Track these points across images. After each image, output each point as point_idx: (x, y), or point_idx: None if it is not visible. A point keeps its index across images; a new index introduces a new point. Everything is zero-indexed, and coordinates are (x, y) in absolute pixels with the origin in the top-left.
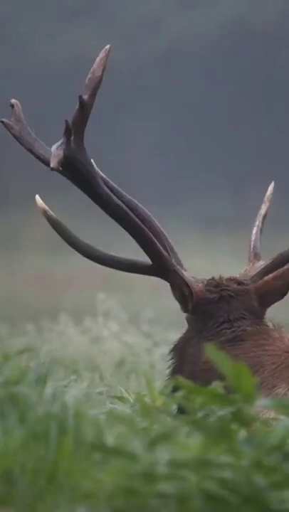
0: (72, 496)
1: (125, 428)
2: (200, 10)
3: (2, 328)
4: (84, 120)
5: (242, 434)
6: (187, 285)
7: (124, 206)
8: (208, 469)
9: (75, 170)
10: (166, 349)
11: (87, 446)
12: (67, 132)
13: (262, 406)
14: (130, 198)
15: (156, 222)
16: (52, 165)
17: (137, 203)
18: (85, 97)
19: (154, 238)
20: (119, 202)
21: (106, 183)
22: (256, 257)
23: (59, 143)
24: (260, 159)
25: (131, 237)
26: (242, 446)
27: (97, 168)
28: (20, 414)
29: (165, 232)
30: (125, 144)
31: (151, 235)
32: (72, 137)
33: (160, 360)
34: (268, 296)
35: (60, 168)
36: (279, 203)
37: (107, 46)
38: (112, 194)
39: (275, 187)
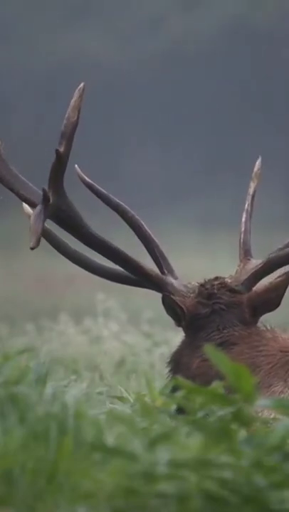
0: (72, 496)
1: (125, 428)
2: (200, 10)
3: (2, 328)
4: (62, 170)
5: (242, 434)
6: (179, 305)
7: (107, 240)
8: (208, 469)
9: (59, 218)
10: (165, 349)
11: (87, 446)
12: (46, 200)
13: (262, 406)
14: (118, 202)
15: (145, 227)
16: (31, 245)
17: (125, 206)
18: (61, 149)
19: (141, 263)
20: (102, 237)
21: (92, 189)
22: (247, 254)
23: (37, 211)
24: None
25: (129, 240)
26: (242, 446)
27: (84, 178)
28: (21, 414)
29: (153, 236)
30: (125, 144)
31: (137, 261)
32: (51, 191)
33: (160, 360)
34: (261, 307)
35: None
36: (280, 201)
37: (81, 85)
38: (94, 232)
39: (276, 186)
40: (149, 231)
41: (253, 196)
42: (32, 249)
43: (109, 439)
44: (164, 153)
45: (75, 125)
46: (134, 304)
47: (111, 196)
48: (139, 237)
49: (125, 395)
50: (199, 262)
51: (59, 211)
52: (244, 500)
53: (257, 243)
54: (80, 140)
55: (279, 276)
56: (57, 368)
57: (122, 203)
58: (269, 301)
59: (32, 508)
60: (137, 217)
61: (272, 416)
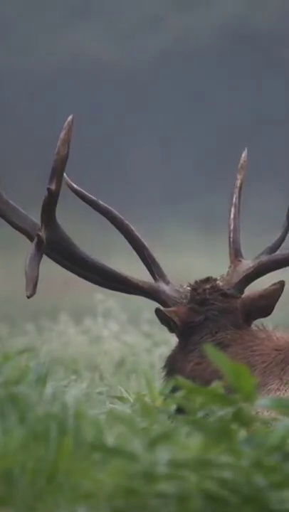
0: (72, 496)
1: (125, 428)
2: (200, 10)
3: (2, 328)
4: (53, 205)
5: (242, 434)
6: (171, 319)
7: (98, 261)
8: (208, 469)
9: (53, 250)
10: (165, 349)
11: (87, 446)
12: (40, 243)
13: (262, 406)
14: (107, 207)
15: (135, 231)
16: (28, 293)
17: (115, 212)
18: (53, 187)
19: (130, 278)
20: (94, 259)
21: (81, 196)
22: (237, 255)
23: (32, 255)
24: (260, 160)
25: (128, 241)
26: (242, 446)
27: (72, 185)
28: (21, 414)
29: (144, 241)
30: (125, 144)
31: (129, 277)
32: (43, 226)
33: (160, 360)
34: (254, 313)
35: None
36: (280, 202)
37: (70, 117)
38: (87, 255)
39: (276, 187)
40: (139, 236)
41: (240, 188)
42: (29, 297)
43: (109, 439)
44: (164, 153)
45: (65, 160)
46: (134, 304)
47: (100, 202)
48: (129, 242)
49: (125, 395)
50: (199, 262)
51: (52, 244)
52: (244, 500)
53: (253, 241)
54: (80, 140)
55: (273, 284)
56: (57, 368)
57: (111, 208)
58: (262, 308)
59: (32, 508)
60: (126, 222)
61: (268, 412)
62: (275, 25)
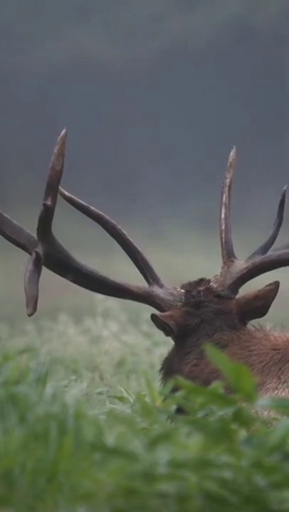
0: (72, 496)
1: (125, 428)
2: (200, 10)
3: (2, 328)
4: (49, 220)
5: (242, 434)
6: (167, 325)
7: (93, 270)
8: (208, 469)
9: (50, 264)
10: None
11: (87, 446)
12: (38, 260)
13: (262, 406)
14: (99, 212)
15: (127, 235)
16: (29, 312)
17: (106, 217)
18: (49, 202)
19: (124, 284)
20: (89, 269)
21: (72, 202)
22: (230, 255)
23: (30, 273)
24: (260, 160)
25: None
26: (242, 446)
27: (64, 192)
28: (20, 414)
29: (136, 245)
30: (126, 144)
31: (121, 282)
32: (40, 241)
33: (160, 360)
34: (249, 314)
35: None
36: (274, 200)
37: (63, 132)
38: (82, 266)
39: (275, 190)
40: (131, 240)
41: (229, 188)
42: (30, 315)
43: (109, 439)
44: (164, 153)
45: (60, 174)
46: (134, 304)
47: (91, 208)
48: (122, 247)
49: (125, 395)
50: (199, 261)
51: (49, 258)
52: (244, 500)
53: (253, 240)
54: (80, 140)
55: (268, 285)
56: (57, 368)
57: (102, 213)
58: (256, 309)
59: (32, 508)
60: (119, 227)
61: (267, 411)
62: (275, 25)
